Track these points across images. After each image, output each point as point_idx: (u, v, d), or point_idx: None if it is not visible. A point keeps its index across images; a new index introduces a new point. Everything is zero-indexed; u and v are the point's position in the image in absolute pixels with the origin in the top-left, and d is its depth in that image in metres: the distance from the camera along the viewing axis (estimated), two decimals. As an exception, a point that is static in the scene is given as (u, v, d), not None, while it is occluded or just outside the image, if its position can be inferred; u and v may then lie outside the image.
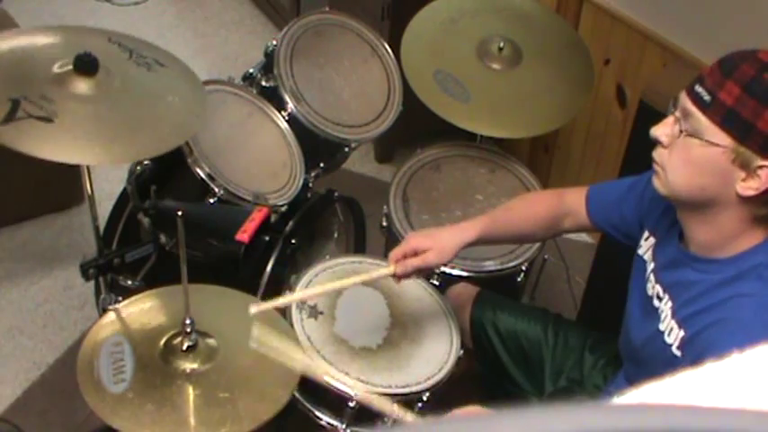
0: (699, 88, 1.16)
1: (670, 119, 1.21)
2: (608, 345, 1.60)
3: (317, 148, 1.98)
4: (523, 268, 1.90)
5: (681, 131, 1.18)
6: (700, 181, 1.19)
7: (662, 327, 1.28)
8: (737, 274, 1.20)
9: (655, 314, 1.31)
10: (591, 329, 1.70)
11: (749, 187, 1.14)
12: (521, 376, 1.68)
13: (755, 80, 1.12)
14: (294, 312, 1.60)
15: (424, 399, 1.54)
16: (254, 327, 1.27)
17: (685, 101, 1.18)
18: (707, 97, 1.14)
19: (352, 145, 2.02)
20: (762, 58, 1.14)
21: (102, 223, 1.70)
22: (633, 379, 1.41)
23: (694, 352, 1.20)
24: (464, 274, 1.84)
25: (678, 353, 1.25)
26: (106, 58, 1.48)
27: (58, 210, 2.61)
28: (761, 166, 1.12)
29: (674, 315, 1.27)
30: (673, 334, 1.26)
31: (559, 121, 2.01)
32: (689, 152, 1.18)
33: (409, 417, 1.33)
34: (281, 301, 1.50)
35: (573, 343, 1.66)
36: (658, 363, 1.29)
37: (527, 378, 1.68)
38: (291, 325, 1.56)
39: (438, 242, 1.50)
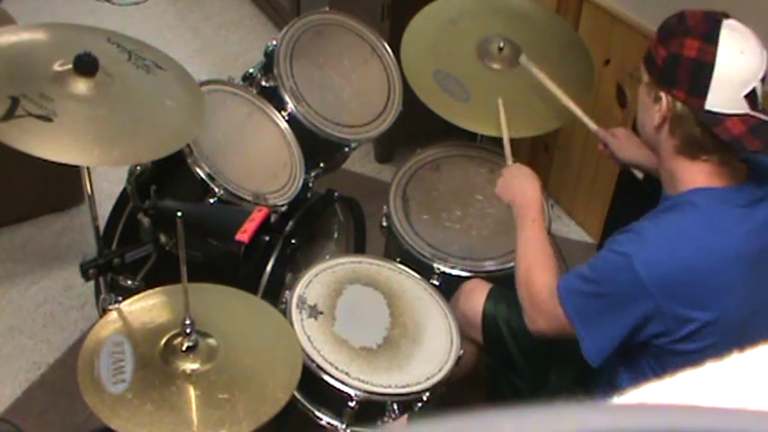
0: None
1: None
2: None
3: (317, 148, 1.98)
4: (523, 268, 1.90)
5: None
6: (640, 118, 1.38)
7: None
8: (671, 206, 1.31)
9: None
10: None
11: (656, 117, 1.30)
12: (529, 371, 1.68)
13: (664, 22, 1.30)
14: (294, 312, 1.60)
15: (424, 399, 1.54)
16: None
17: None
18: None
19: (352, 145, 2.02)
20: (684, 12, 1.30)
21: (102, 223, 1.70)
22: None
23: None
24: (464, 273, 1.84)
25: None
26: (106, 58, 1.48)
27: (58, 210, 2.61)
28: (660, 97, 1.29)
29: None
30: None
31: (559, 121, 2.00)
32: (639, 96, 1.37)
33: None
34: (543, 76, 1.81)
35: None
36: None
37: (535, 374, 1.68)
38: (291, 324, 1.57)
39: None
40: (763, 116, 1.24)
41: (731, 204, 1.27)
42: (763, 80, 1.25)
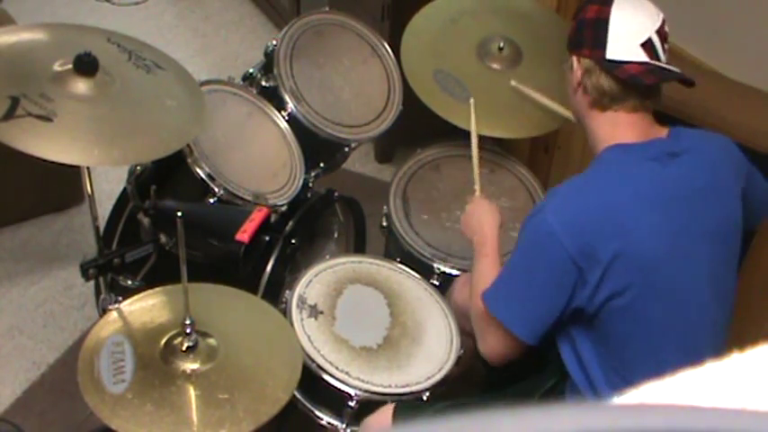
0: None
1: None
2: None
3: (317, 148, 1.98)
4: (523, 268, 1.90)
5: None
6: (568, 93, 1.50)
7: None
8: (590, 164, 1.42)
9: None
10: None
11: (573, 80, 1.44)
12: (526, 372, 1.68)
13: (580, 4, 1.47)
14: (294, 312, 1.60)
15: (424, 399, 1.54)
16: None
17: None
18: None
19: (352, 145, 2.02)
20: None
21: (102, 223, 1.70)
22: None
23: None
24: (464, 274, 1.84)
25: None
26: (106, 58, 1.48)
27: (58, 210, 2.61)
28: (572, 62, 1.44)
29: None
30: None
31: (559, 121, 2.00)
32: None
33: None
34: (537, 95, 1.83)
35: None
36: None
37: (534, 372, 1.68)
38: (292, 324, 1.57)
39: None
40: (661, 64, 1.39)
41: (640, 157, 1.37)
42: (659, 33, 1.39)
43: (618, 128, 1.40)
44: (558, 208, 1.35)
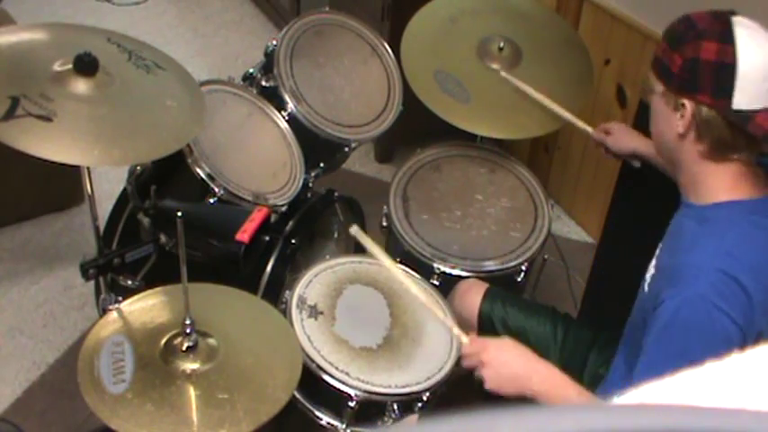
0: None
1: None
2: (615, 345, 1.59)
3: (317, 148, 1.98)
4: (523, 268, 1.90)
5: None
6: (656, 129, 1.34)
7: (647, 274, 1.35)
8: (703, 218, 1.27)
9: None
10: (598, 331, 1.70)
11: (680, 125, 1.26)
12: None
13: (670, 29, 1.28)
14: (294, 312, 1.60)
15: (424, 399, 1.54)
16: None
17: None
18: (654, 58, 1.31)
19: (352, 145, 2.02)
20: (689, 15, 1.26)
21: (102, 223, 1.70)
22: (628, 353, 1.39)
23: (655, 289, 1.26)
24: (464, 274, 1.84)
25: (646, 288, 1.32)
26: (106, 58, 1.48)
27: (58, 210, 2.61)
28: (682, 104, 1.25)
29: (656, 257, 1.34)
30: (648, 274, 1.33)
31: (559, 121, 2.00)
32: (652, 106, 1.34)
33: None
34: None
35: (581, 343, 1.66)
36: (637, 310, 1.35)
37: None
38: (292, 324, 1.57)
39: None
40: None
41: (764, 214, 1.24)
42: None
43: (731, 178, 1.26)
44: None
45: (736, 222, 1.23)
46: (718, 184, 1.27)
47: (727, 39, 1.20)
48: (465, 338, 1.44)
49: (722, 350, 1.23)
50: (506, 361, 1.35)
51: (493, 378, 1.34)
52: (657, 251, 1.35)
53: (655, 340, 1.20)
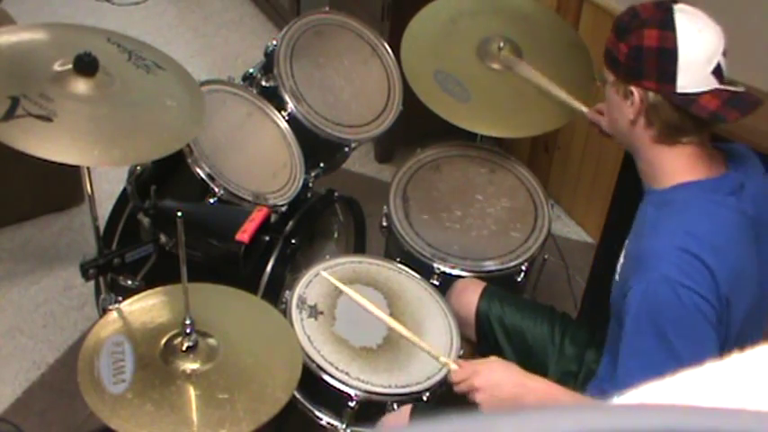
0: None
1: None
2: None
3: (317, 148, 1.98)
4: (523, 268, 1.90)
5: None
6: (611, 118, 1.40)
7: (617, 263, 1.38)
8: (663, 201, 1.30)
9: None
10: (596, 330, 1.70)
11: (630, 112, 1.31)
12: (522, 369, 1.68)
13: (617, 20, 1.32)
14: (294, 312, 1.60)
15: (424, 399, 1.54)
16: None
17: None
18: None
19: (352, 145, 2.02)
20: (634, 6, 1.31)
21: (102, 223, 1.70)
22: (612, 345, 1.40)
23: (624, 276, 1.30)
24: (464, 273, 1.84)
25: (617, 277, 1.35)
26: (105, 58, 1.48)
27: (58, 210, 2.61)
28: (630, 91, 1.30)
29: (624, 247, 1.37)
30: (619, 263, 1.37)
31: (559, 121, 2.00)
32: (606, 96, 1.39)
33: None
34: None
35: (578, 343, 1.66)
36: (612, 300, 1.37)
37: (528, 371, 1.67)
38: (292, 324, 1.57)
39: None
40: (731, 88, 1.28)
41: (722, 193, 1.28)
42: (724, 54, 1.28)
43: (686, 160, 1.30)
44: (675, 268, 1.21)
45: (695, 202, 1.27)
46: (673, 167, 1.31)
47: (667, 25, 1.25)
48: (453, 365, 1.44)
49: (697, 323, 1.19)
50: (498, 383, 1.36)
51: (488, 401, 1.35)
52: (626, 241, 1.39)
53: (630, 328, 1.23)
